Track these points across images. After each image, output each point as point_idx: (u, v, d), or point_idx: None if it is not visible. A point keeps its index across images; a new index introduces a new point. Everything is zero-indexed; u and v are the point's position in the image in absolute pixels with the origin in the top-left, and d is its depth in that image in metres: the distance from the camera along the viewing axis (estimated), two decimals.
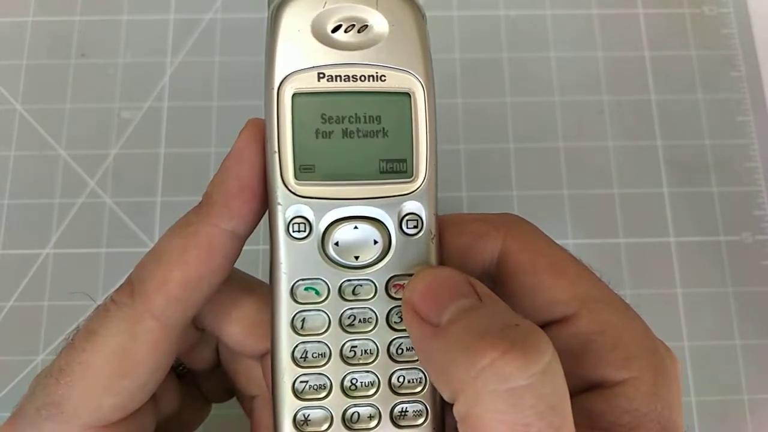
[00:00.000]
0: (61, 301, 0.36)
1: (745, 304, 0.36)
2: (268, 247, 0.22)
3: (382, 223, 0.22)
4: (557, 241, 0.24)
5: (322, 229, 0.22)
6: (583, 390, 0.22)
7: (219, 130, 0.39)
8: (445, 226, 0.23)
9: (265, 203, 0.22)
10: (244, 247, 0.22)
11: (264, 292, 0.24)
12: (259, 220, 0.22)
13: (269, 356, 0.23)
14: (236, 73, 0.39)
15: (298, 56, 0.21)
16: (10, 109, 0.39)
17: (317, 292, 0.22)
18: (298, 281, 0.22)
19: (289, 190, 0.21)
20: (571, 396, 0.21)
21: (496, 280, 0.24)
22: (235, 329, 0.24)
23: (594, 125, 0.40)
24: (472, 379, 0.18)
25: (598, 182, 0.38)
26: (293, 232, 0.21)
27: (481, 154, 0.38)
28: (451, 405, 0.20)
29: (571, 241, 0.37)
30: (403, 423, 0.22)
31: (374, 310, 0.22)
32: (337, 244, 0.22)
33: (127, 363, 0.21)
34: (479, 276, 0.24)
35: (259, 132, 0.22)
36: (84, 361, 0.21)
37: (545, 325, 0.23)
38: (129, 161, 0.38)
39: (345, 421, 0.22)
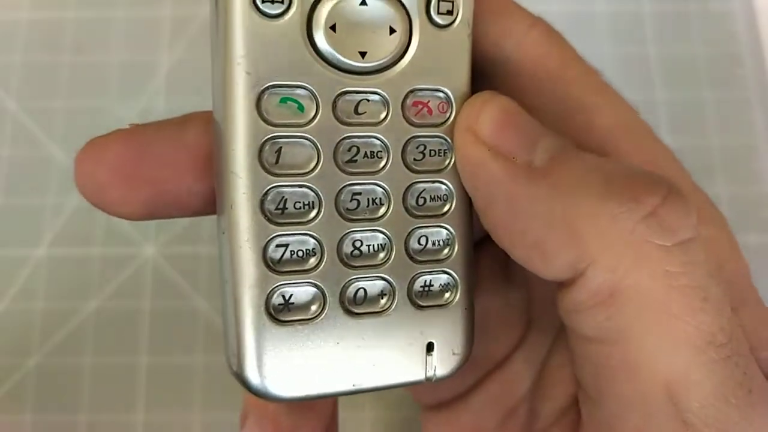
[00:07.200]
0: (55, 303, 0.35)
1: None
2: None
3: (402, 3, 0.15)
4: None
5: (311, 1, 0.14)
6: None
7: None
8: None
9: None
10: None
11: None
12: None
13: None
14: None
15: None
16: (3, 107, 0.38)
17: (300, 108, 0.15)
18: (268, 88, 0.14)
19: None
20: None
21: (502, 79, 0.18)
22: None
23: None
24: (625, 233, 0.13)
25: None
26: (263, 3, 0.14)
27: None
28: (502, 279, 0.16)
29: None
30: (425, 302, 0.16)
31: (385, 140, 0.15)
32: (333, 28, 0.14)
33: None
34: (481, 66, 0.18)
35: None
36: None
37: None
38: None
39: (344, 302, 0.15)
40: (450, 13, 0.15)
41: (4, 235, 0.36)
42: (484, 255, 0.16)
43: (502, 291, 0.19)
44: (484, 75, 0.18)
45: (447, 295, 0.16)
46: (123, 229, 0.36)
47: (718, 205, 0.37)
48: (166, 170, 0.16)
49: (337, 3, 0.14)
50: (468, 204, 0.16)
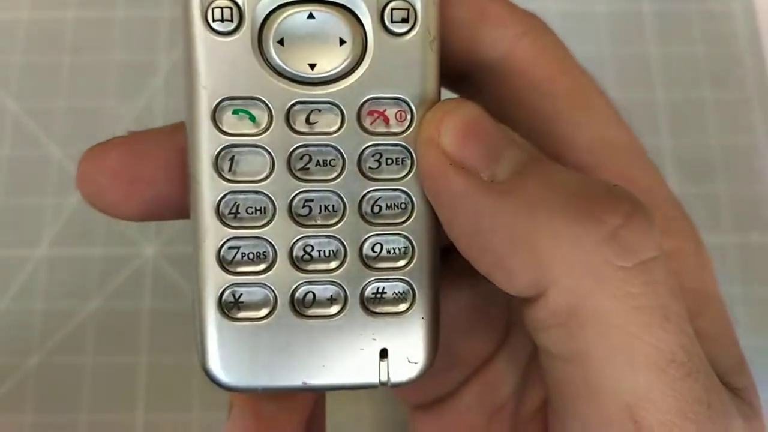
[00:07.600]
0: (55, 303, 0.35)
1: (753, 306, 0.36)
2: None
3: (353, 12, 0.15)
4: None
5: (260, 18, 0.15)
6: None
7: None
8: None
9: None
10: None
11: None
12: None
13: None
14: None
15: None
16: (3, 107, 0.38)
17: (252, 118, 0.15)
18: (223, 101, 0.15)
19: None
20: None
21: (485, 90, 0.18)
22: None
23: None
24: (585, 254, 0.13)
25: None
26: (214, 21, 0.15)
27: None
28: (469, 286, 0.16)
29: None
30: (378, 309, 0.16)
31: (339, 148, 0.16)
32: (281, 42, 0.15)
33: None
34: (470, 74, 0.18)
35: None
36: None
37: None
38: None
39: (294, 304, 0.16)
40: (405, 21, 0.15)
41: (4, 235, 0.36)
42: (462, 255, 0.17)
43: (481, 289, 0.19)
44: (473, 83, 0.18)
45: (402, 303, 0.16)
46: (123, 229, 0.36)
47: (718, 204, 0.38)
48: (161, 173, 0.17)
49: (284, 18, 0.15)
50: (432, 213, 0.16)
